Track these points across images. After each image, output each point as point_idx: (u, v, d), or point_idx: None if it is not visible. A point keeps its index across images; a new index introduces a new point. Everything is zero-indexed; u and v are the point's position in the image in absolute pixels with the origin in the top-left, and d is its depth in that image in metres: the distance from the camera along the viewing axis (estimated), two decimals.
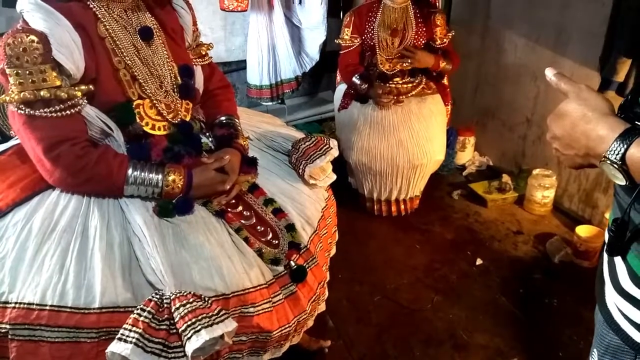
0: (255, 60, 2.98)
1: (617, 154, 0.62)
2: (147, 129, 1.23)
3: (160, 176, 1.17)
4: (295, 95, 3.52)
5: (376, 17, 2.49)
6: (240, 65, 3.25)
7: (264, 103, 3.22)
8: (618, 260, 0.77)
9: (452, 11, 3.23)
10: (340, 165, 2.63)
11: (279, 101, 3.29)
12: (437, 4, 2.58)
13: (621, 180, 0.64)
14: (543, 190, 2.65)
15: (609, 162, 0.64)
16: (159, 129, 1.25)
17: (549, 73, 0.76)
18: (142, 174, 1.16)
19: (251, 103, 3.25)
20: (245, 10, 2.72)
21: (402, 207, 2.76)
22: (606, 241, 0.78)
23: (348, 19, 2.54)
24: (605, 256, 0.82)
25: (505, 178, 2.87)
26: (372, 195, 2.73)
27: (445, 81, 2.71)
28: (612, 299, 0.78)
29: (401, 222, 2.72)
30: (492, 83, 3.09)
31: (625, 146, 0.62)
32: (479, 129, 3.26)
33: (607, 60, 2.23)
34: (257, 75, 3.02)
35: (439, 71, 2.53)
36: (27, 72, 1.04)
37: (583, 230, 2.30)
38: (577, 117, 0.68)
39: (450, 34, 2.55)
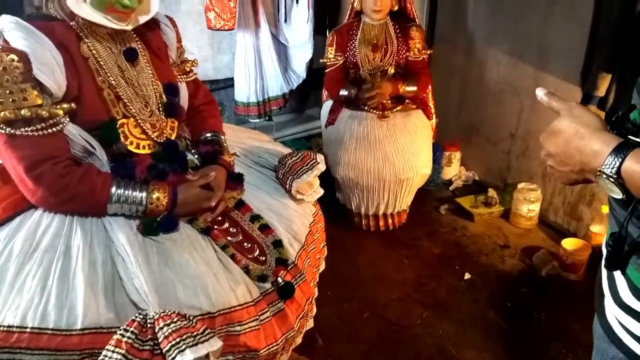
0: (242, 77, 2.99)
1: (613, 168, 0.63)
2: (131, 148, 1.22)
3: (144, 194, 1.16)
4: (282, 112, 3.54)
5: (357, 34, 2.56)
6: (227, 83, 3.26)
7: (251, 120, 3.23)
8: (617, 273, 0.77)
9: (436, 29, 3.29)
10: (328, 180, 2.63)
11: (267, 118, 3.30)
12: (416, 18, 2.62)
13: (617, 194, 0.65)
14: (528, 204, 2.68)
15: (604, 176, 0.64)
16: (144, 147, 1.25)
17: (540, 93, 0.77)
18: (126, 191, 1.15)
19: (239, 120, 3.26)
20: (233, 29, 2.74)
21: (390, 221, 2.77)
22: (604, 256, 0.78)
23: (330, 38, 2.63)
24: (604, 270, 0.82)
25: (491, 192, 2.89)
26: (360, 210, 2.73)
27: (430, 97, 2.75)
28: (612, 312, 0.78)
29: (389, 237, 2.72)
30: (476, 99, 3.13)
31: (620, 160, 0.63)
32: (464, 144, 3.29)
33: (587, 75, 2.28)
34: (244, 92, 3.03)
35: (399, 95, 2.56)
36: (8, 91, 1.03)
37: (569, 243, 2.32)
38: (570, 133, 0.69)
39: (428, 51, 2.60)
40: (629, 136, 0.66)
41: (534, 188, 2.71)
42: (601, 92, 2.20)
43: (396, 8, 2.54)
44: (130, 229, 1.16)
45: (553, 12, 2.51)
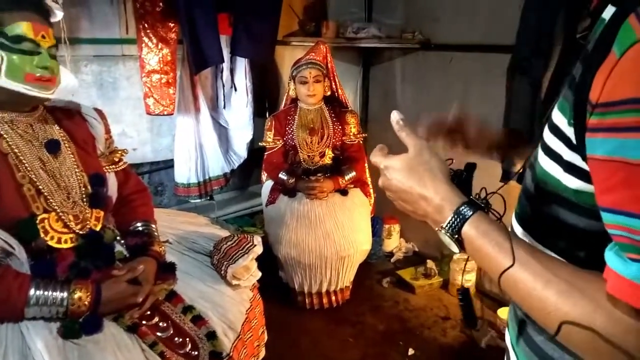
0: (182, 159, 3.00)
1: (453, 228, 0.66)
2: (52, 243, 1.19)
3: (65, 294, 1.12)
4: (225, 190, 3.54)
5: (294, 119, 2.69)
6: (168, 164, 3.25)
7: (192, 201, 3.21)
8: (512, 351, 0.81)
9: (369, 110, 3.51)
10: (271, 260, 2.63)
11: (208, 198, 3.29)
12: (348, 104, 2.82)
13: (455, 250, 0.68)
14: (465, 274, 2.76)
15: (443, 232, 0.67)
16: (66, 241, 1.22)
17: (395, 117, 0.76)
18: (46, 292, 1.11)
19: (179, 201, 3.23)
20: (172, 114, 2.79)
21: (334, 298, 2.76)
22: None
23: (269, 123, 2.74)
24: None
25: (430, 264, 2.97)
26: (303, 288, 2.71)
27: (367, 176, 2.87)
28: None
29: (333, 315, 2.70)
30: None
31: (460, 221, 0.65)
32: (402, 216, 3.41)
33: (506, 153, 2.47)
34: (184, 174, 3.03)
35: (343, 189, 2.68)
36: None
37: (504, 312, 2.39)
38: (415, 178, 0.70)
39: (363, 135, 2.77)
40: (471, 196, 0.69)
41: (468, 258, 2.80)
42: (519, 168, 2.38)
43: (328, 93, 2.71)
44: (50, 333, 1.11)
45: (470, 93, 2.75)
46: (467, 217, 0.65)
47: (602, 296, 0.54)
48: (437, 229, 0.69)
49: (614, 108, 0.50)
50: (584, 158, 0.58)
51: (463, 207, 0.66)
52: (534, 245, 0.69)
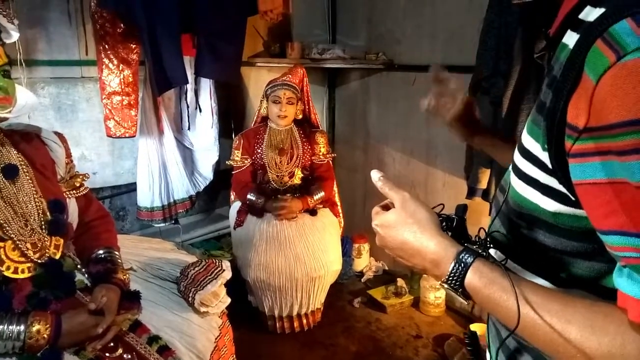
0: (145, 182, 2.91)
1: (456, 282, 0.63)
2: (8, 273, 1.12)
3: (22, 327, 1.05)
4: (190, 214, 3.46)
5: (263, 138, 2.67)
6: (130, 187, 3.15)
7: (156, 225, 3.11)
8: None
9: (336, 130, 3.53)
10: (239, 284, 2.56)
11: (173, 221, 3.20)
12: (318, 124, 2.83)
13: (464, 301, 0.65)
14: (435, 292, 2.78)
15: (447, 286, 0.64)
16: (23, 271, 1.15)
17: (375, 176, 0.75)
18: (1, 326, 1.04)
19: (142, 225, 3.12)
20: (134, 136, 2.71)
21: (305, 321, 2.71)
22: None
23: (237, 142, 2.71)
24: None
25: (400, 282, 2.97)
26: (274, 312, 2.65)
27: (336, 196, 2.87)
28: None
29: (305, 338, 2.64)
30: (378, 193, 3.28)
31: (461, 274, 0.62)
32: (372, 235, 3.40)
33: (470, 170, 2.52)
34: (147, 197, 2.94)
35: (312, 209, 2.68)
36: None
37: (475, 329, 2.40)
38: (406, 234, 0.68)
39: (332, 155, 2.78)
40: (465, 244, 0.66)
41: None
42: (483, 184, 2.43)
43: (300, 117, 2.71)
44: None
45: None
46: (467, 264, 0.62)
47: (625, 329, 0.51)
48: (439, 284, 0.66)
49: (609, 132, 0.48)
50: (561, 181, 0.57)
51: (461, 257, 0.63)
52: (513, 268, 0.68)
